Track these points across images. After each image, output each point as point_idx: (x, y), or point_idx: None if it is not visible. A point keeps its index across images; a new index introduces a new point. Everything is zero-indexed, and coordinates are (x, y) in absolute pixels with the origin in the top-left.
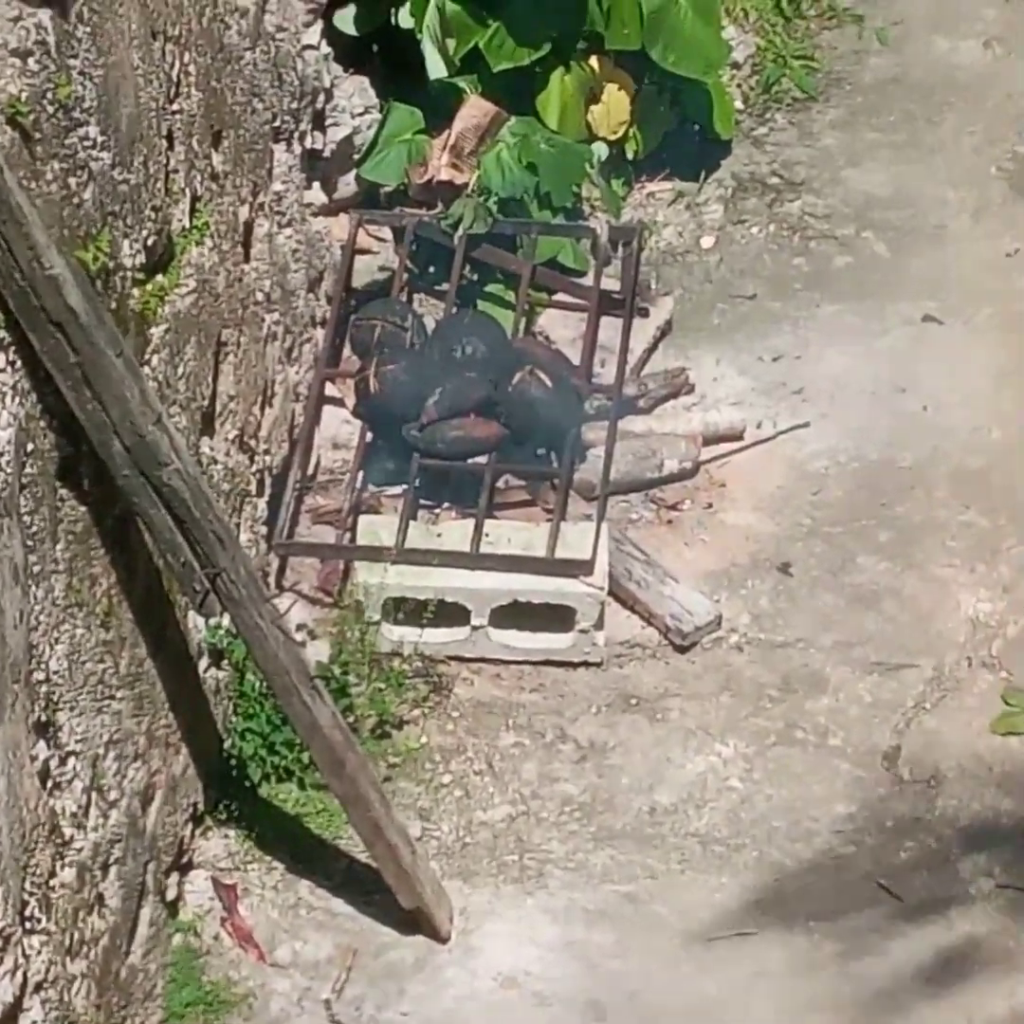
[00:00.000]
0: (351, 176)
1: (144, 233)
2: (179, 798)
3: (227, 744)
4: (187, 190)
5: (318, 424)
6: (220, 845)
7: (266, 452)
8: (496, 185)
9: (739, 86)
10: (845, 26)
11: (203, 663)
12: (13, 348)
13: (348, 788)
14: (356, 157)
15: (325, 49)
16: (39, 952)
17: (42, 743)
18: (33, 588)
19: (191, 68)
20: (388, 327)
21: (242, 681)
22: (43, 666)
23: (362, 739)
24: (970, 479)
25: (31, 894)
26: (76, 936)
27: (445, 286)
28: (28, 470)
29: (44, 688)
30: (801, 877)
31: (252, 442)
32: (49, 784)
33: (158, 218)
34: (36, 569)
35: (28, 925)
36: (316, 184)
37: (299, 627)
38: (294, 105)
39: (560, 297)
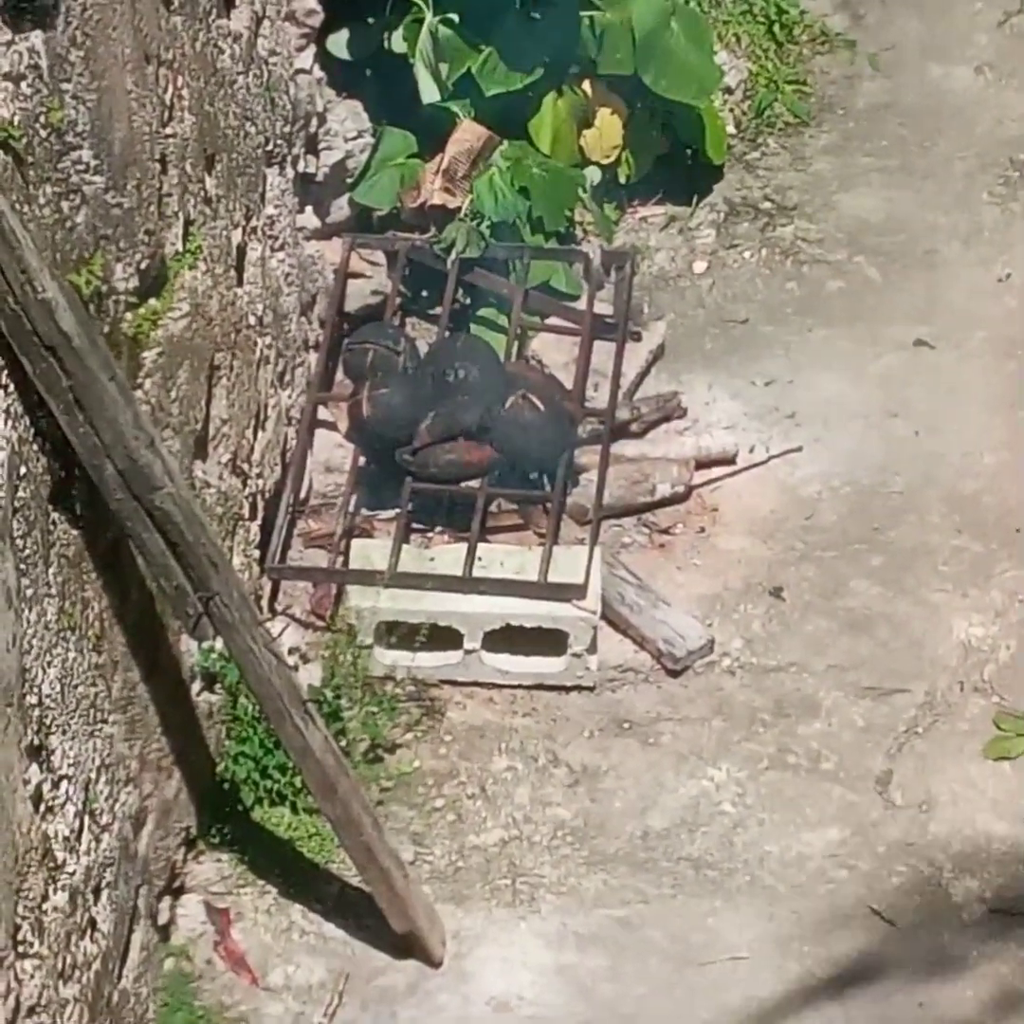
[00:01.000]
0: (344, 200)
1: (137, 257)
2: (172, 822)
3: (220, 768)
4: (180, 214)
5: (311, 448)
6: (213, 869)
7: (259, 476)
8: (489, 209)
9: (731, 111)
10: (837, 51)
11: (196, 687)
12: (5, 372)
13: (340, 812)
14: (349, 181)
15: (318, 73)
16: (31, 976)
17: (35, 767)
18: (26, 611)
19: (184, 92)
20: (381, 351)
21: (235, 705)
22: (35, 689)
23: (354, 763)
24: (963, 503)
25: (23, 918)
26: (68, 960)
27: (438, 310)
28: (21, 494)
29: (36, 712)
30: (794, 902)
31: (245, 466)
32: (41, 808)
33: (151, 242)
34: (29, 592)
35: (21, 949)
36: (309, 208)
37: (291, 651)
38: (287, 129)
39: (553, 321)
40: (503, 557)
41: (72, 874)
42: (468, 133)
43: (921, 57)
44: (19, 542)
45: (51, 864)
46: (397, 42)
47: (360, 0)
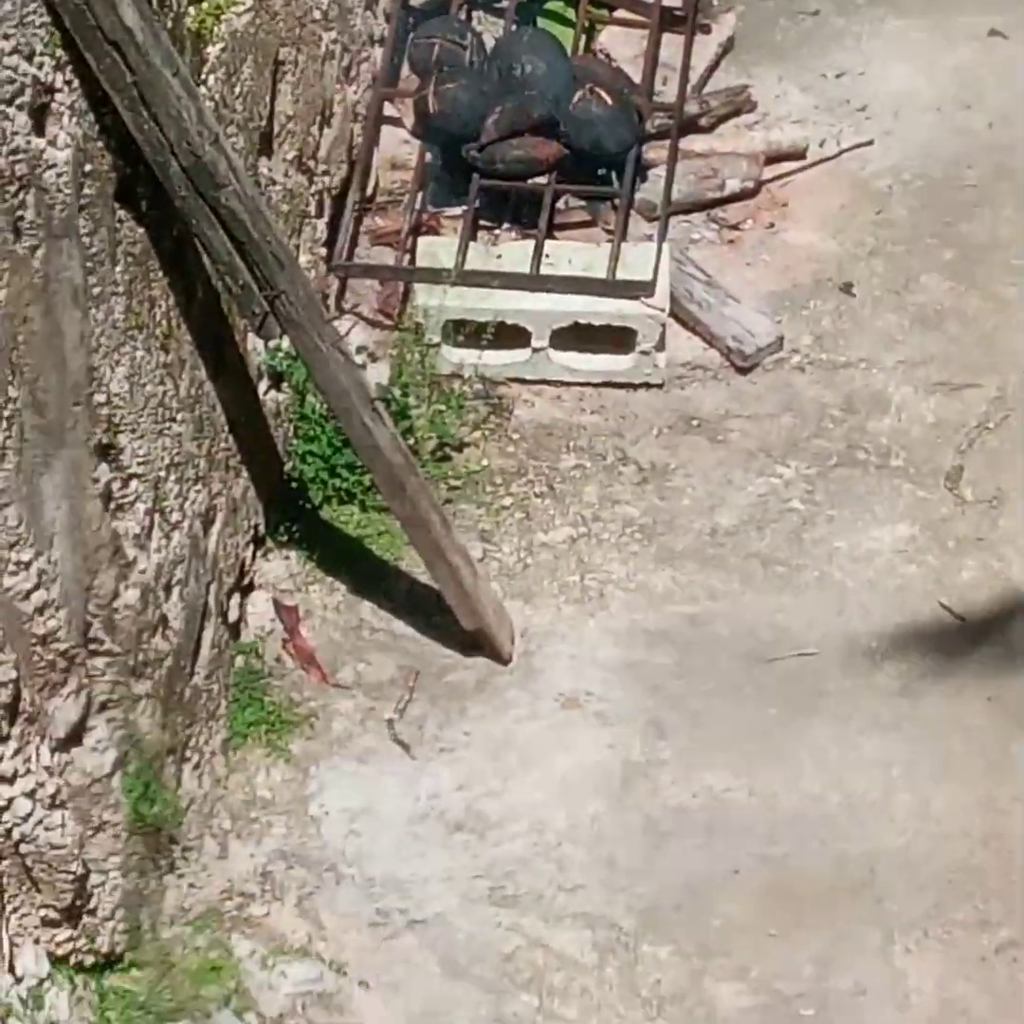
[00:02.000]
0: None
1: None
2: (240, 520)
3: (288, 467)
4: None
5: (377, 144)
6: (281, 567)
7: (325, 173)
8: None
9: None
10: None
11: (263, 386)
12: (69, 67)
13: (409, 510)
14: None
15: None
16: (103, 673)
17: (104, 465)
18: (93, 310)
19: None
20: (447, 45)
21: (302, 404)
22: (104, 389)
23: (422, 461)
24: None
25: (94, 616)
26: (140, 657)
27: (504, 2)
28: (86, 191)
29: (105, 411)
30: (863, 596)
31: (311, 163)
32: (111, 506)
33: None
34: (96, 291)
35: (92, 646)
36: None
37: (359, 349)
38: None
39: (621, 14)
40: (571, 254)
41: (143, 571)
42: None
43: None
44: (86, 240)
45: (122, 561)
46: None
47: None
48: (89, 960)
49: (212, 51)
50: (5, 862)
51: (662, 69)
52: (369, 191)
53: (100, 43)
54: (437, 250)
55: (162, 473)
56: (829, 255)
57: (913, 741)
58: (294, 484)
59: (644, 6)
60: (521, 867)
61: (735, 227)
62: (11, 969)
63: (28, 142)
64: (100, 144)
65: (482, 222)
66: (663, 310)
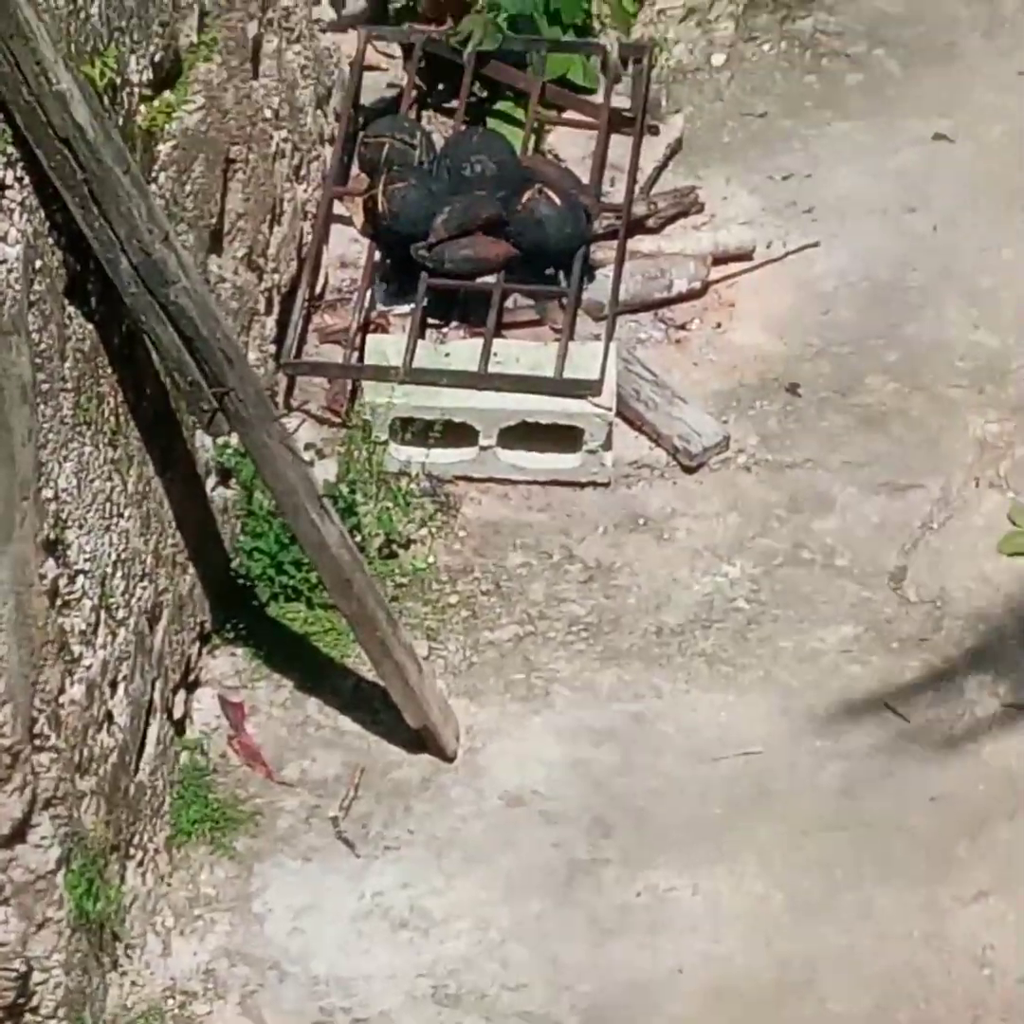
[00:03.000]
0: None
1: (151, 49)
2: (186, 617)
3: (235, 563)
4: (195, 5)
5: (326, 242)
6: (228, 663)
7: (274, 270)
8: (506, 1)
9: None
10: None
11: (210, 482)
12: (20, 164)
13: (356, 607)
14: None
15: None
16: (48, 769)
17: (51, 561)
18: (41, 406)
19: None
20: (396, 144)
21: (250, 500)
22: (52, 484)
23: (370, 558)
24: (980, 299)
25: (40, 711)
26: (85, 753)
27: (454, 103)
28: (36, 287)
29: (53, 506)
30: (807, 697)
31: (260, 260)
32: (58, 602)
33: (166, 33)
34: (44, 387)
35: (37, 742)
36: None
37: (307, 446)
38: None
39: (570, 115)
40: (519, 353)
41: (88, 667)
42: None
43: None
44: (35, 336)
45: (68, 657)
46: None
47: None
48: None
49: (163, 149)
50: None
51: (610, 170)
52: (318, 289)
53: (51, 140)
54: (385, 348)
55: (109, 569)
56: (776, 355)
57: (856, 842)
58: (241, 581)
59: (593, 107)
60: (465, 965)
61: (682, 327)
62: None
63: None
64: (50, 241)
65: (430, 321)
66: (610, 409)
